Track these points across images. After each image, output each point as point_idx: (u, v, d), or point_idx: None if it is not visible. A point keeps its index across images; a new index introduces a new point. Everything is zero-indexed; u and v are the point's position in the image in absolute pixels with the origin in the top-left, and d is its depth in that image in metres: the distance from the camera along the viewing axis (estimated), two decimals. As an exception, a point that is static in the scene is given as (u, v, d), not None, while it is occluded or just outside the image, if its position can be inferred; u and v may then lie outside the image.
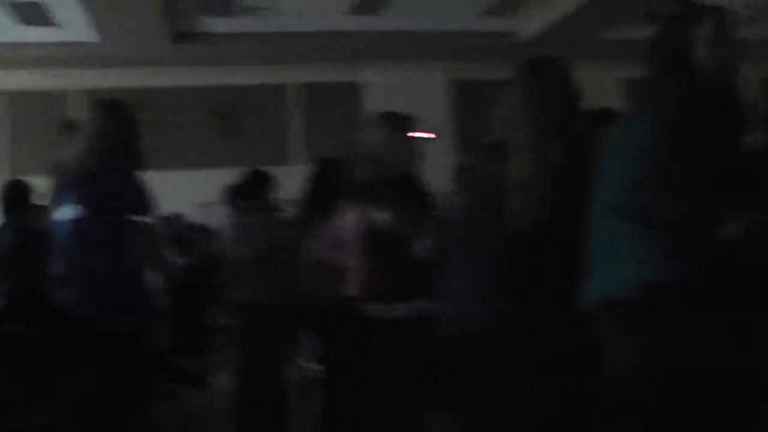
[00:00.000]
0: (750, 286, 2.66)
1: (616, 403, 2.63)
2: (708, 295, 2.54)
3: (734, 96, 2.75)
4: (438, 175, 4.64)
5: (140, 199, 3.54)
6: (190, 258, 7.48)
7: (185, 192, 9.75)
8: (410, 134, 3.88)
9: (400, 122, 3.86)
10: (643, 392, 2.52)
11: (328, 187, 4.51)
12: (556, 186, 2.88)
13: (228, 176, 5.89)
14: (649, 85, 2.70)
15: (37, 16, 9.26)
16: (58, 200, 3.67)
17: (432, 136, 9.56)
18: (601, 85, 8.23)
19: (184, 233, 8.03)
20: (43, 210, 4.64)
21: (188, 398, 6.30)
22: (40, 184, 4.59)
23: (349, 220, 3.81)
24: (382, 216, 3.65)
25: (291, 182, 5.50)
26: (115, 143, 3.58)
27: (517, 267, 2.96)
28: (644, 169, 2.49)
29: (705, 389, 2.51)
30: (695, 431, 2.52)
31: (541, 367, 2.88)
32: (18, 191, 5.16)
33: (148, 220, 3.52)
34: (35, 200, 5.09)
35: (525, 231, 2.93)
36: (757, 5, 10.20)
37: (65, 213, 3.52)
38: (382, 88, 11.17)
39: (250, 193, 5.32)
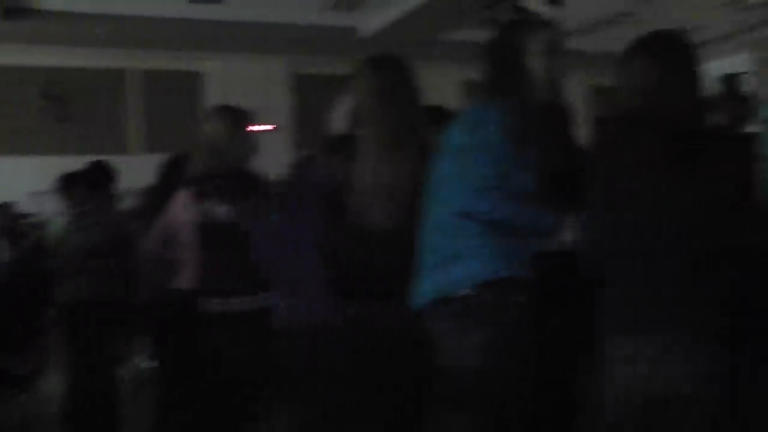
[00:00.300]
0: (576, 286, 2.84)
1: (447, 397, 2.72)
2: (543, 293, 2.68)
3: (562, 105, 2.94)
4: (278, 168, 4.67)
5: None
6: (19, 250, 7.07)
7: (15, 180, 9.38)
8: (249, 128, 3.86)
9: (238, 116, 3.83)
10: (474, 385, 2.60)
11: (175, 180, 4.43)
12: (409, 187, 2.90)
13: (62, 164, 5.72)
14: (485, 88, 2.77)
15: None
16: None
17: (272, 128, 9.61)
18: (440, 86, 8.46)
19: (13, 224, 7.67)
20: None
21: (15, 402, 6.02)
22: None
23: (185, 212, 3.75)
24: (221, 209, 3.61)
25: (130, 172, 5.41)
26: None
27: (360, 266, 2.95)
28: (488, 173, 2.53)
29: (534, 383, 2.63)
30: (525, 423, 2.61)
31: (376, 364, 2.91)
32: None
33: None
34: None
35: (374, 231, 2.93)
36: (589, 20, 10.75)
37: None
38: (224, 78, 11.07)
39: (87, 183, 5.16)
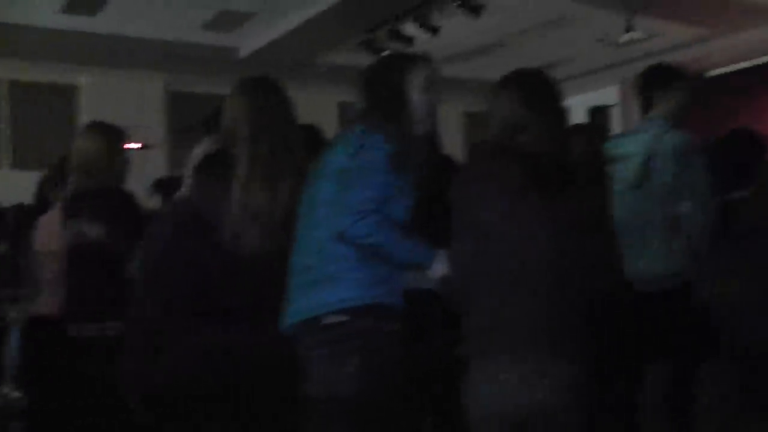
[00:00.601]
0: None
1: (318, 424, 2.67)
2: (415, 320, 2.73)
3: (435, 137, 3.02)
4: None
5: None
6: None
7: None
8: (123, 146, 3.78)
9: (113, 133, 3.75)
10: (346, 413, 2.59)
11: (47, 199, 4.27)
12: (285, 209, 2.88)
13: None
14: (365, 115, 2.80)
15: None
16: None
17: (146, 146, 9.42)
18: (317, 108, 8.50)
19: None
20: None
21: None
22: None
23: (54, 233, 3.63)
24: (93, 229, 3.50)
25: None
26: None
27: (233, 289, 2.89)
28: (369, 197, 2.54)
29: (401, 408, 2.67)
30: None
31: (244, 388, 2.86)
32: None
33: None
34: None
35: (248, 253, 2.88)
36: (464, 48, 11.00)
37: None
38: (99, 93, 10.78)
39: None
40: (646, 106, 3.74)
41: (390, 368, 2.62)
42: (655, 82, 3.76)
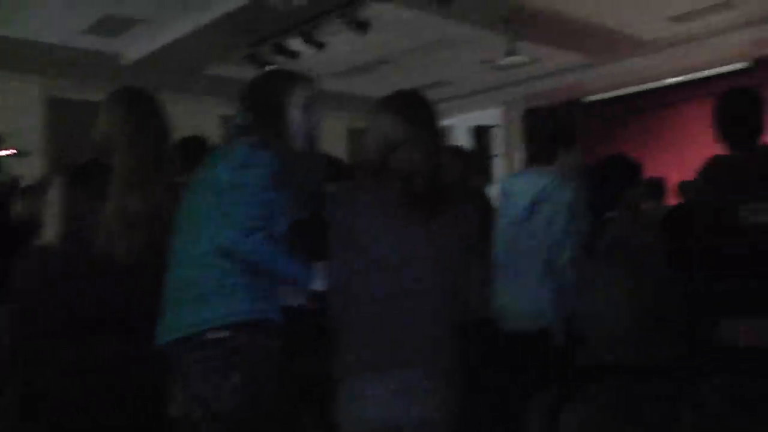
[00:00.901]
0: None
1: None
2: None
3: (318, 154, 3.05)
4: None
5: None
6: None
7: None
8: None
9: None
10: (229, 424, 2.58)
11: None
12: (157, 220, 2.87)
13: None
14: (247, 130, 2.81)
15: None
16: None
17: (20, 152, 9.10)
18: (200, 119, 8.42)
19: None
20: None
21: None
22: None
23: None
24: None
25: None
26: None
27: (103, 301, 2.85)
28: (253, 214, 2.55)
29: (281, 425, 2.70)
30: None
31: (114, 404, 2.83)
32: None
33: None
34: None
35: (118, 264, 2.85)
36: (350, 64, 11.07)
37: None
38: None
39: None
40: (548, 158, 3.84)
41: (270, 384, 2.64)
42: (562, 139, 3.89)
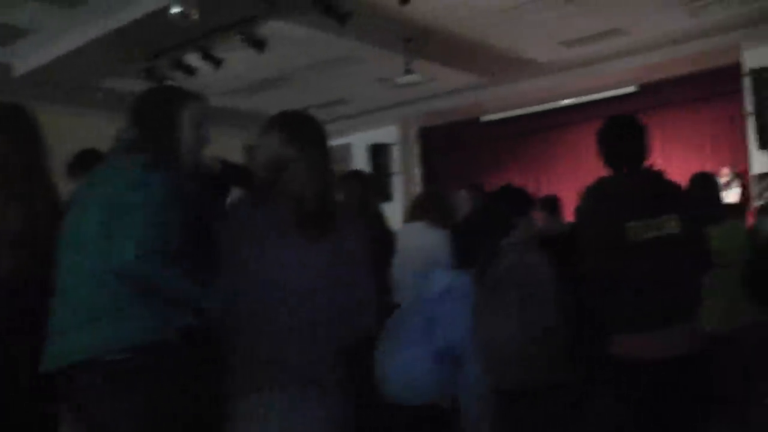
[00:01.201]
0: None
1: None
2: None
3: (207, 173, 3.03)
4: None
5: None
6: None
7: None
8: None
9: None
10: None
11: None
12: (39, 236, 2.81)
13: None
14: (138, 147, 2.74)
15: None
16: None
17: None
18: (94, 132, 8.27)
19: None
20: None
21: None
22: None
23: None
24: None
25: None
26: None
27: None
28: (150, 234, 2.50)
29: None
30: None
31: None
32: None
33: None
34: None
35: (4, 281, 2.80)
36: (248, 81, 11.04)
37: None
38: None
39: None
40: (507, 230, 3.94)
41: (170, 406, 2.59)
42: (515, 207, 4.00)
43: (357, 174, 5.09)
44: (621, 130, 3.55)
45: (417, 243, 5.14)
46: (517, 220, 3.82)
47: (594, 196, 3.55)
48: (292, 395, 2.49)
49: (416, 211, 5.40)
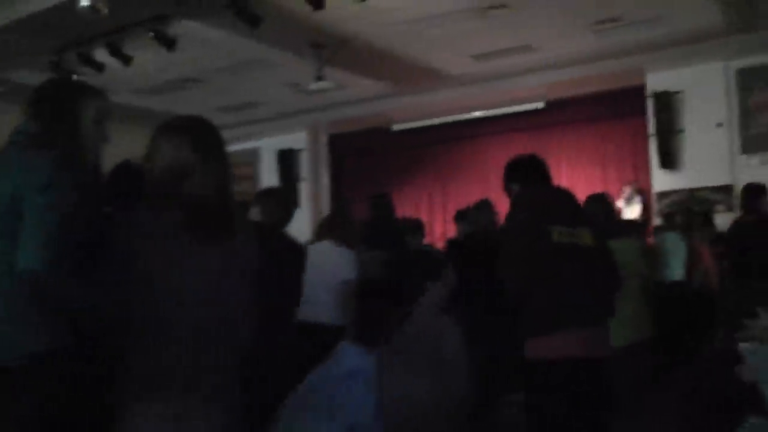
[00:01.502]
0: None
1: None
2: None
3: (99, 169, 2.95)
4: None
5: None
6: None
7: None
8: None
9: None
10: None
11: None
12: None
13: None
14: (36, 141, 2.65)
15: None
16: None
17: None
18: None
19: None
20: None
21: None
22: None
23: None
24: None
25: None
26: None
27: None
28: (58, 239, 2.43)
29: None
30: None
31: None
32: None
33: None
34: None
35: None
36: (160, 81, 10.89)
37: None
38: None
39: None
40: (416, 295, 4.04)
41: (62, 412, 2.52)
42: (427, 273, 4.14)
43: (273, 191, 5.20)
44: (527, 156, 3.93)
45: (325, 260, 5.30)
46: (427, 285, 3.92)
47: (522, 204, 3.77)
48: (180, 409, 2.43)
49: (323, 230, 5.60)
